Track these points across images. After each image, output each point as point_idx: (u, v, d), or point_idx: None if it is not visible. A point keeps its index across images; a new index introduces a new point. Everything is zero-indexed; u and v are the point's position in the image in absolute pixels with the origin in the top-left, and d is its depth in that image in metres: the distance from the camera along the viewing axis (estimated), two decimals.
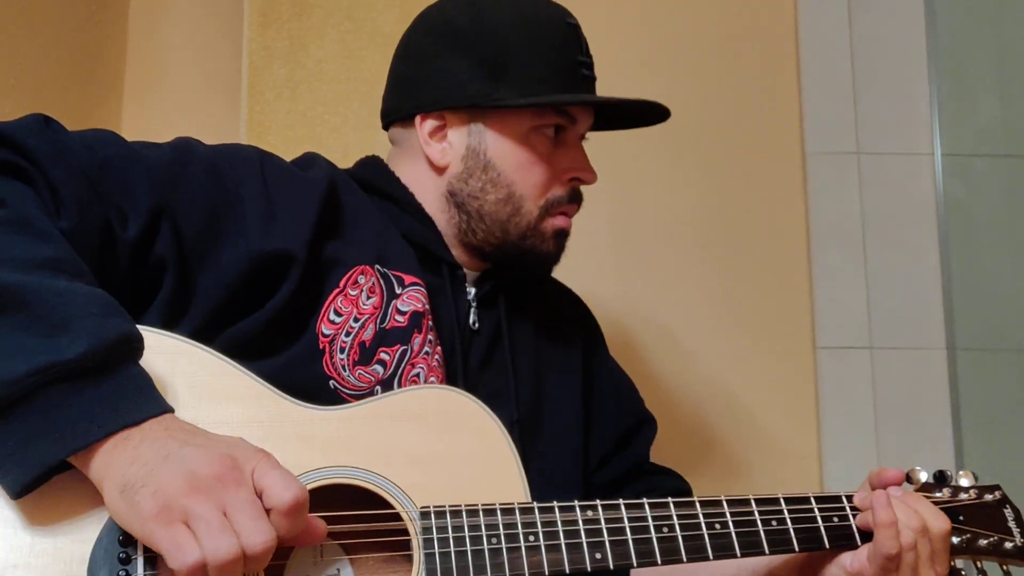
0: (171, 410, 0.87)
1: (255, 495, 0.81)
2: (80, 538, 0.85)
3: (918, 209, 1.92)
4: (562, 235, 1.25)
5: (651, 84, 1.92)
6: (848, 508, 1.08)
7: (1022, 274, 1.91)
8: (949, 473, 1.13)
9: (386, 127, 1.31)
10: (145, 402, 0.85)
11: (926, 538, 1.03)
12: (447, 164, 1.22)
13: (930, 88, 1.95)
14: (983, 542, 1.08)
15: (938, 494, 1.12)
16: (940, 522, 1.05)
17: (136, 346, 0.88)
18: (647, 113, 1.28)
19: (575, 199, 1.25)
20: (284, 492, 0.80)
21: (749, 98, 1.94)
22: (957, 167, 1.92)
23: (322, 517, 0.92)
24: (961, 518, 1.10)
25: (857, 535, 1.06)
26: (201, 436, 0.85)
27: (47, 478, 0.83)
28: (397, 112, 1.26)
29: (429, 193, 1.24)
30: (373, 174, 1.26)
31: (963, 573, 1.08)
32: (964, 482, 1.13)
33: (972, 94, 1.96)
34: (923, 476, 1.13)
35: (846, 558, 1.06)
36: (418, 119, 1.22)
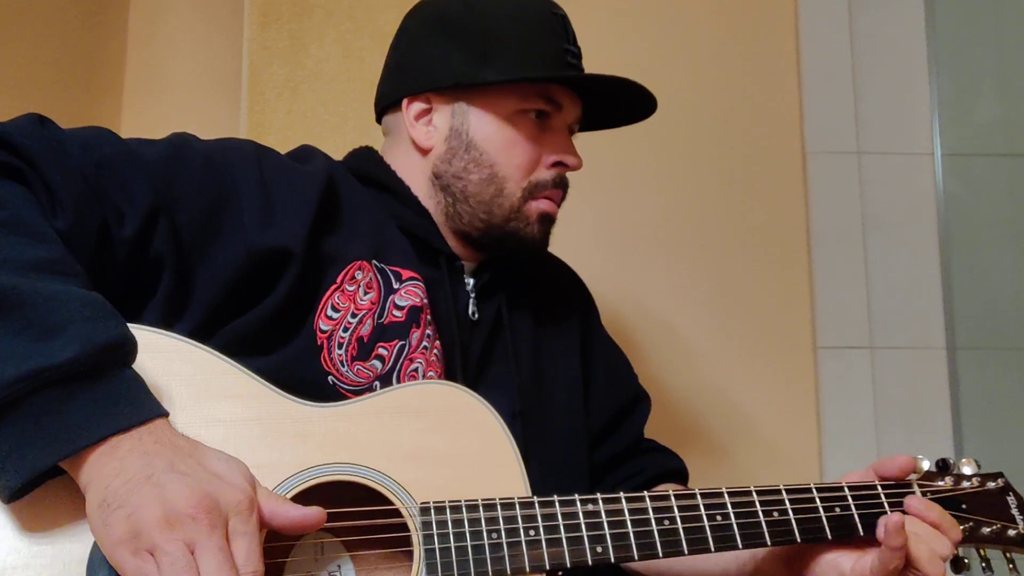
0: (165, 414, 0.86)
1: (225, 542, 0.79)
2: (78, 538, 0.84)
3: (918, 209, 1.93)
4: (546, 219, 1.24)
5: (651, 84, 1.91)
6: (850, 497, 1.07)
7: (1022, 274, 1.91)
8: (952, 461, 1.12)
9: (379, 118, 1.32)
10: (137, 407, 0.84)
11: (942, 566, 1.03)
12: (431, 146, 1.23)
13: (930, 88, 1.95)
14: (986, 530, 1.07)
15: (940, 482, 1.11)
16: (956, 533, 1.04)
17: (129, 350, 0.87)
18: (635, 107, 1.28)
19: (560, 184, 1.24)
20: (244, 567, 0.79)
21: (749, 98, 1.94)
22: (957, 167, 1.93)
23: None
24: (964, 506, 1.09)
25: (859, 525, 1.05)
26: (190, 459, 0.83)
27: (39, 483, 0.82)
28: (387, 98, 1.28)
29: (418, 179, 1.24)
30: (368, 165, 1.26)
31: (966, 561, 1.07)
32: (967, 470, 1.12)
33: (972, 94, 1.97)
34: (925, 464, 1.12)
35: (845, 563, 1.05)
36: (405, 102, 1.24)
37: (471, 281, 1.25)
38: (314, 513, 0.86)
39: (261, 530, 0.84)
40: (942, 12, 1.96)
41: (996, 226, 1.93)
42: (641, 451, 1.39)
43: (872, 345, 1.88)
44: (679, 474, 1.39)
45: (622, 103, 1.29)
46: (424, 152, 1.24)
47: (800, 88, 1.95)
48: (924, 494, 1.09)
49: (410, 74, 1.24)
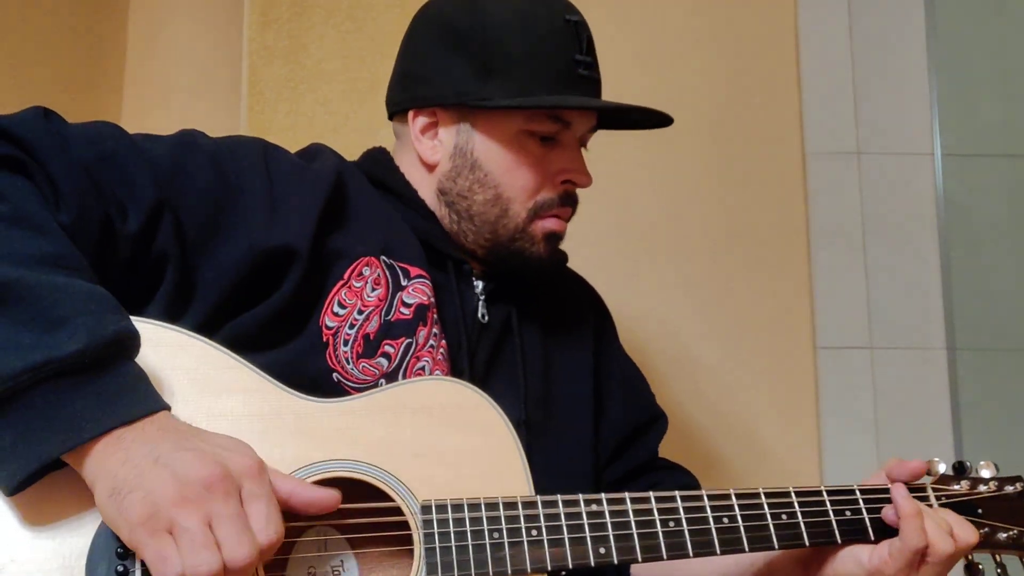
0: (167, 407, 0.86)
1: (241, 509, 0.80)
2: (79, 532, 0.85)
3: (918, 209, 1.93)
4: (553, 238, 1.23)
5: (652, 84, 1.92)
6: (861, 500, 1.06)
7: (1022, 274, 1.91)
8: (969, 464, 1.11)
9: (391, 118, 1.30)
10: (140, 400, 0.85)
11: (952, 542, 1.01)
12: (436, 161, 1.21)
13: (930, 88, 1.95)
14: (1003, 535, 1.06)
15: (956, 486, 1.09)
16: (968, 534, 1.03)
17: (132, 343, 0.88)
18: (649, 115, 1.25)
19: (567, 202, 1.23)
20: (260, 533, 0.80)
21: (749, 98, 1.94)
22: (957, 167, 1.93)
23: None
24: (979, 511, 1.07)
25: (870, 529, 1.04)
26: (194, 439, 0.84)
27: (41, 475, 0.83)
28: (395, 105, 1.27)
29: (425, 189, 1.23)
30: (378, 168, 1.25)
31: (980, 567, 1.06)
32: (985, 473, 1.10)
33: (972, 94, 1.96)
34: (941, 467, 1.10)
35: (863, 554, 1.04)
36: (411, 114, 1.22)
37: (480, 284, 1.24)
38: (330, 495, 0.87)
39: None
40: (942, 12, 1.96)
41: (996, 226, 1.93)
42: (655, 468, 1.38)
43: (872, 345, 1.88)
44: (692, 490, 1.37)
45: (636, 116, 1.26)
46: (430, 167, 1.23)
47: (800, 88, 1.94)
48: (939, 498, 1.08)
49: (416, 85, 1.23)
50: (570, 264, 1.45)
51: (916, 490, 1.09)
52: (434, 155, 1.21)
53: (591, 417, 1.30)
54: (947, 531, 1.01)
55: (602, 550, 0.96)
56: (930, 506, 1.07)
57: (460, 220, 1.21)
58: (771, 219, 1.91)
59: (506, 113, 1.18)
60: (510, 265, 1.23)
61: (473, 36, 1.18)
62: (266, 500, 0.82)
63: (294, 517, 0.88)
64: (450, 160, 1.21)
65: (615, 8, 1.94)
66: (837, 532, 1.04)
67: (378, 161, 1.27)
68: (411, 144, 1.23)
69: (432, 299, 1.15)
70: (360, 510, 0.93)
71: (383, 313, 1.11)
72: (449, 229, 1.22)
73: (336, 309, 1.10)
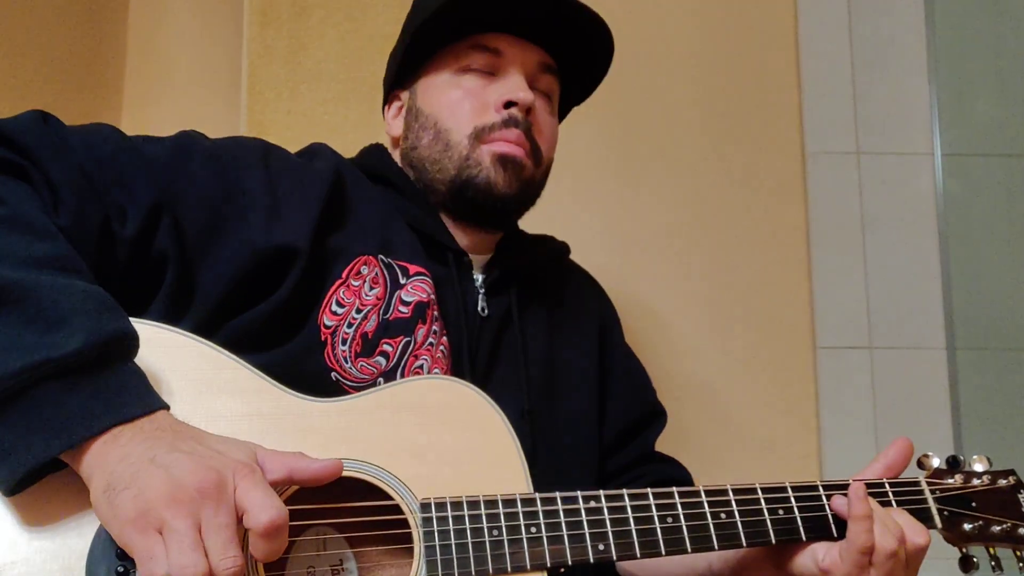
0: (165, 407, 0.87)
1: (234, 517, 0.80)
2: (78, 533, 0.84)
3: (918, 209, 1.93)
4: (506, 162, 1.19)
5: (651, 83, 1.92)
6: (824, 497, 1.05)
7: (1022, 274, 1.91)
8: (962, 458, 1.11)
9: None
10: (138, 399, 0.85)
11: (903, 546, 1.00)
12: (399, 133, 1.28)
13: (930, 88, 1.95)
14: (996, 528, 1.06)
15: (950, 480, 1.10)
16: (919, 537, 1.01)
17: (131, 343, 0.88)
18: (592, 41, 1.26)
19: (514, 124, 1.20)
20: (261, 514, 0.79)
21: (749, 98, 1.94)
22: (957, 167, 1.93)
23: (322, 509, 0.92)
24: (973, 504, 1.08)
25: (832, 525, 1.03)
26: (191, 440, 0.84)
27: (42, 474, 0.83)
28: (383, 107, 1.35)
29: (406, 170, 1.28)
30: (375, 163, 1.27)
31: (975, 560, 1.06)
32: (978, 467, 1.11)
33: (972, 94, 1.97)
34: (935, 462, 1.11)
35: (819, 550, 1.03)
36: (385, 110, 1.32)
37: (480, 277, 1.24)
38: (333, 463, 0.87)
39: (286, 488, 0.87)
40: (942, 12, 1.96)
41: (996, 226, 1.93)
42: (651, 461, 1.38)
43: (872, 345, 1.88)
44: (681, 483, 1.36)
45: (575, 37, 1.25)
46: (395, 142, 1.30)
47: (800, 88, 1.95)
48: (933, 491, 1.09)
49: (385, 84, 1.33)
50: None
51: (911, 485, 1.08)
52: (397, 129, 1.29)
53: (595, 411, 1.31)
54: (896, 533, 0.99)
55: (601, 547, 0.96)
56: (889, 505, 1.06)
57: (421, 174, 1.24)
58: (771, 218, 1.91)
59: (439, 63, 1.24)
60: (474, 201, 1.21)
61: (408, 20, 1.28)
62: (261, 487, 0.81)
63: (294, 515, 0.88)
64: (404, 124, 1.28)
65: (614, 7, 1.94)
66: (832, 526, 1.03)
67: (375, 156, 1.29)
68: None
69: (432, 296, 1.15)
70: (359, 509, 0.93)
71: (381, 312, 1.11)
72: (421, 193, 1.24)
73: (334, 308, 1.10)
